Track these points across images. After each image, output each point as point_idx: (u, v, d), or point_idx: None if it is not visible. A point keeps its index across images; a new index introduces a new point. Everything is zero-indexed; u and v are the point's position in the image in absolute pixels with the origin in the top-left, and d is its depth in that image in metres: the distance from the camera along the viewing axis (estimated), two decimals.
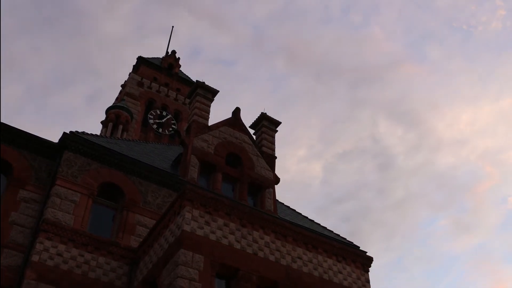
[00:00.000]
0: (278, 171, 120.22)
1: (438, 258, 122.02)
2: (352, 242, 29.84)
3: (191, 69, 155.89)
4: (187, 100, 53.55)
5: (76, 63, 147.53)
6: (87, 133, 27.58)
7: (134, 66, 57.86)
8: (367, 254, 25.13)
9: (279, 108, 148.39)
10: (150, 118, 52.79)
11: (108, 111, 45.36)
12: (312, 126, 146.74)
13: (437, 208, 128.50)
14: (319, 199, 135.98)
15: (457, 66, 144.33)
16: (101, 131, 44.67)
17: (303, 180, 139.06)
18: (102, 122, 45.23)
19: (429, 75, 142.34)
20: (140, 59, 57.76)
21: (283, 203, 32.82)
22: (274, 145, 32.50)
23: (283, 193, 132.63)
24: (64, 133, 25.26)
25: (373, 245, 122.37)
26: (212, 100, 31.85)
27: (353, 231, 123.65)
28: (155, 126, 52.47)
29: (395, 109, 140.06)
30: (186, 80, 59.77)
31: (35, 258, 21.50)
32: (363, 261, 24.35)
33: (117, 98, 58.00)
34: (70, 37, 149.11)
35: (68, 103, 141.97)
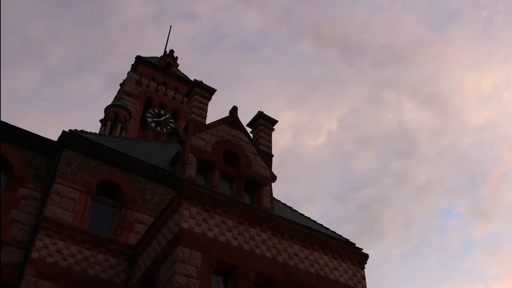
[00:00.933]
0: (297, 159, 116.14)
1: (455, 246, 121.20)
2: (348, 240, 29.90)
3: (214, 55, 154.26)
4: (185, 99, 53.57)
5: (95, 47, 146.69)
6: (86, 131, 27.59)
7: (132, 65, 57.85)
8: (363, 251, 25.19)
9: (303, 92, 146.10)
10: (149, 117, 52.80)
11: (107, 109, 45.30)
12: (335, 111, 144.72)
13: (457, 195, 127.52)
14: (337, 187, 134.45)
15: (483, 49, 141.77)
16: (100, 129, 44.60)
17: (322, 167, 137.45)
18: (101, 121, 45.16)
19: (455, 58, 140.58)
20: (138, 58, 57.77)
21: (279, 201, 32.87)
22: (271, 143, 32.55)
23: (301, 180, 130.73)
24: (63, 131, 25.26)
25: (392, 233, 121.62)
26: (209, 99, 31.88)
27: (372, 219, 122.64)
28: (153, 124, 52.48)
29: (421, 92, 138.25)
30: (184, 79, 59.79)
31: (34, 255, 21.51)
32: (359, 258, 24.40)
33: (115, 97, 58.02)
34: (90, 20, 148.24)
35: (86, 88, 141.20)
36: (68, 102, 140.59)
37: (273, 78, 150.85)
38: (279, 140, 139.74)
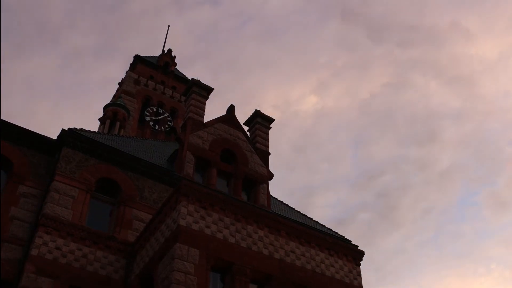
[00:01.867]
0: (317, 144, 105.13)
1: (472, 235, 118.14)
2: (344, 237, 29.92)
3: (238, 39, 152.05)
4: (183, 98, 53.61)
5: (115, 31, 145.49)
6: (85, 129, 27.62)
7: (131, 64, 57.86)
8: (358, 248, 25.26)
9: (328, 76, 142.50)
10: (147, 115, 52.79)
11: (105, 108, 45.33)
12: (358, 95, 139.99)
13: (476, 182, 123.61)
14: (356, 173, 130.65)
15: None
16: (99, 128, 44.60)
17: (341, 154, 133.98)
18: (99, 119, 45.17)
19: (484, 39, 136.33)
20: (136, 57, 57.81)
21: (276, 198, 32.90)
22: (268, 141, 32.54)
23: (320, 167, 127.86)
24: (63, 130, 25.29)
25: (410, 222, 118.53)
26: (207, 98, 31.87)
27: (390, 207, 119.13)
28: (151, 123, 52.45)
29: (447, 73, 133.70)
30: (181, 78, 59.82)
31: (34, 252, 21.55)
32: (355, 255, 24.47)
33: (114, 96, 58.00)
34: (109, 4, 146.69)
35: (104, 75, 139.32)
36: (85, 89, 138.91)
37: (297, 62, 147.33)
38: (301, 125, 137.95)
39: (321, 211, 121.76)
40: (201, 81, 31.99)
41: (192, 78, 32.25)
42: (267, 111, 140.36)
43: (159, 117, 53.70)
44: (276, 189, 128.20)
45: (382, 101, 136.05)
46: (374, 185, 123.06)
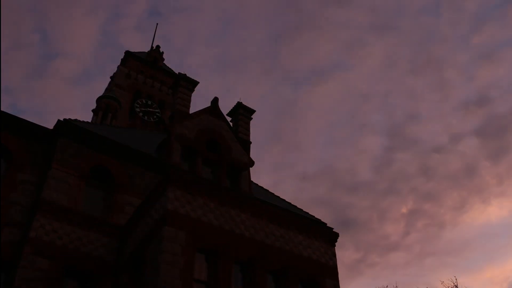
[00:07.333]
0: (424, 69, 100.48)
1: None
2: (320, 220, 30.11)
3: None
4: (171, 91, 53.57)
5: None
6: (79, 120, 27.56)
7: (122, 59, 57.74)
8: (333, 230, 25.39)
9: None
10: (137, 107, 52.71)
11: (98, 100, 45.29)
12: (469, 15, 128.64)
13: None
14: (465, 98, 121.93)
15: None
16: (92, 118, 44.59)
17: (443, 84, 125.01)
18: (93, 110, 45.14)
19: None
20: (127, 53, 57.65)
21: (257, 184, 33.00)
22: (249, 131, 32.61)
23: (427, 92, 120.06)
24: (58, 121, 25.24)
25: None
26: (192, 91, 31.89)
27: (501, 132, 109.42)
28: (141, 114, 52.37)
29: None
30: (169, 72, 59.83)
31: (32, 234, 21.52)
32: (330, 236, 24.61)
33: (106, 89, 57.86)
34: None
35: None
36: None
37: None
38: (415, 49, 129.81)
39: (425, 138, 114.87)
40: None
41: (179, 73, 32.30)
42: None
43: (148, 109, 53.62)
44: (384, 116, 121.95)
45: (496, 17, 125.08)
46: (484, 110, 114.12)
